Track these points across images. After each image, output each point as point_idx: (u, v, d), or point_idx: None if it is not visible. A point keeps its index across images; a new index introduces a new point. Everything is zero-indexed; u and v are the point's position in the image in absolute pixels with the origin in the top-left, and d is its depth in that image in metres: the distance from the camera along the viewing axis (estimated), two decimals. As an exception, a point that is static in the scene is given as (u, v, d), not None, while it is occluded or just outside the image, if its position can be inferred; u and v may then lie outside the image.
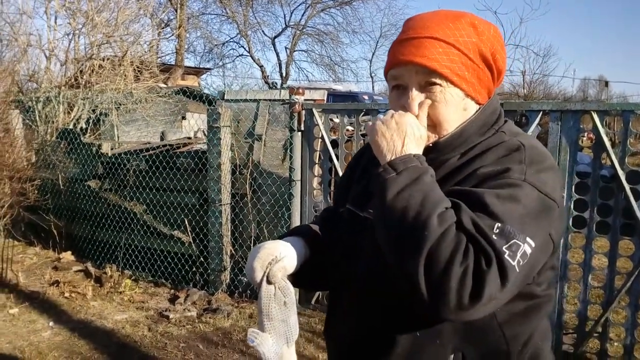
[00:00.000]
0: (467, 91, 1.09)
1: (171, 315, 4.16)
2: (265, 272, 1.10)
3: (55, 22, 7.39)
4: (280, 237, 1.24)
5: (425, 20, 1.11)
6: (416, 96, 1.09)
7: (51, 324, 4.03)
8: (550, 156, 1.10)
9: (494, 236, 0.92)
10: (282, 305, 1.11)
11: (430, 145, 1.11)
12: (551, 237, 1.01)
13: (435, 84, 1.07)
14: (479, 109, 1.13)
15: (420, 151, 1.07)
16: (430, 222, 0.93)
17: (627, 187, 3.19)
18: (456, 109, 1.10)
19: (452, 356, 1.07)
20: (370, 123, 1.12)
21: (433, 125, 1.10)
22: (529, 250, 0.94)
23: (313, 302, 4.40)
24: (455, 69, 1.06)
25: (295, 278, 1.18)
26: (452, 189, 1.03)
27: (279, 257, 1.12)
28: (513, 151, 1.05)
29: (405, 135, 1.06)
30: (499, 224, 0.93)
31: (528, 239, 0.94)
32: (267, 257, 1.11)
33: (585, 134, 5.11)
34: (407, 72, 1.09)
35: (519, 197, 0.97)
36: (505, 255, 0.91)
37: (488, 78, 1.12)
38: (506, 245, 0.92)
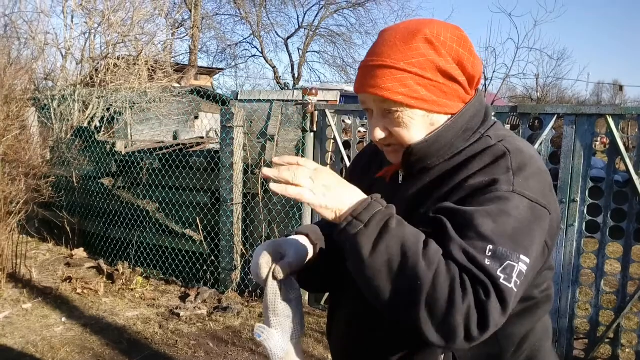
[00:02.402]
0: (429, 109, 1.08)
1: (182, 313, 4.19)
2: (270, 269, 1.10)
3: (72, 21, 7.48)
4: (286, 236, 1.25)
5: (382, 43, 1.10)
6: (377, 123, 1.11)
7: (63, 319, 4.08)
8: (538, 158, 1.08)
9: (486, 261, 0.90)
10: (287, 301, 1.11)
11: (404, 151, 1.11)
12: (547, 244, 1.01)
13: (392, 110, 1.08)
14: (455, 116, 1.11)
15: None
16: (419, 269, 0.90)
17: (641, 192, 3.16)
18: (420, 127, 1.09)
19: (443, 356, 1.07)
20: (300, 190, 0.97)
21: (399, 144, 1.12)
22: (524, 269, 0.92)
23: (322, 302, 4.41)
24: (409, 93, 1.05)
25: (299, 277, 1.18)
26: (442, 207, 1.00)
27: (284, 254, 1.13)
28: (499, 158, 1.03)
29: (343, 184, 1.01)
30: (491, 246, 0.91)
31: (522, 257, 0.92)
32: (273, 254, 1.12)
33: (599, 139, 5.07)
34: (367, 100, 1.11)
35: (509, 212, 0.95)
36: (501, 280, 0.89)
37: (455, 89, 1.09)
38: (500, 269, 0.90)
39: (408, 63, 1.05)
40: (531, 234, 0.96)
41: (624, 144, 3.28)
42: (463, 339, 0.89)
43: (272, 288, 1.10)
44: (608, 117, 3.22)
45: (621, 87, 29.72)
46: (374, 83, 1.07)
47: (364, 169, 1.32)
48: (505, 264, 0.90)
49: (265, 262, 1.11)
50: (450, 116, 1.11)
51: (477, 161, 1.05)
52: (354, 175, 1.33)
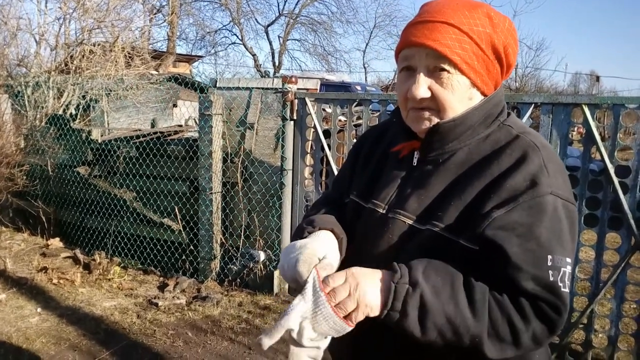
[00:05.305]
0: (474, 81, 1.09)
1: (160, 303, 4.16)
2: (311, 273, 1.02)
3: (46, 6, 7.28)
4: (309, 233, 1.18)
5: (442, 5, 1.10)
6: (423, 81, 1.08)
7: (39, 310, 4.01)
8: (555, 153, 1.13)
9: (551, 276, 0.99)
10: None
11: (431, 127, 1.11)
12: (574, 237, 1.07)
13: (443, 69, 1.07)
14: (484, 99, 1.13)
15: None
16: (473, 329, 0.97)
17: (615, 180, 3.21)
18: (461, 97, 1.09)
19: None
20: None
21: (437, 109, 1.10)
22: (569, 270, 1.02)
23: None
24: (465, 57, 1.06)
25: None
26: (499, 224, 1.01)
27: (321, 259, 1.07)
28: (529, 153, 1.05)
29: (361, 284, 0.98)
30: (550, 256, 1.00)
31: (567, 260, 1.02)
32: (313, 259, 1.06)
33: (576, 128, 5.15)
34: (417, 54, 1.08)
35: (553, 216, 1.02)
36: (562, 289, 1.00)
37: (497, 71, 1.11)
38: (559, 278, 1.00)
39: (470, 29, 1.06)
40: (567, 234, 1.03)
41: (600, 134, 3.32)
42: (534, 348, 1.02)
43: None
44: (584, 107, 3.26)
45: (598, 78, 30.19)
46: (434, 37, 1.06)
47: (372, 147, 1.31)
48: (561, 272, 1.00)
49: (306, 269, 1.04)
50: (483, 98, 1.13)
51: (506, 154, 1.07)
52: (360, 152, 1.33)
